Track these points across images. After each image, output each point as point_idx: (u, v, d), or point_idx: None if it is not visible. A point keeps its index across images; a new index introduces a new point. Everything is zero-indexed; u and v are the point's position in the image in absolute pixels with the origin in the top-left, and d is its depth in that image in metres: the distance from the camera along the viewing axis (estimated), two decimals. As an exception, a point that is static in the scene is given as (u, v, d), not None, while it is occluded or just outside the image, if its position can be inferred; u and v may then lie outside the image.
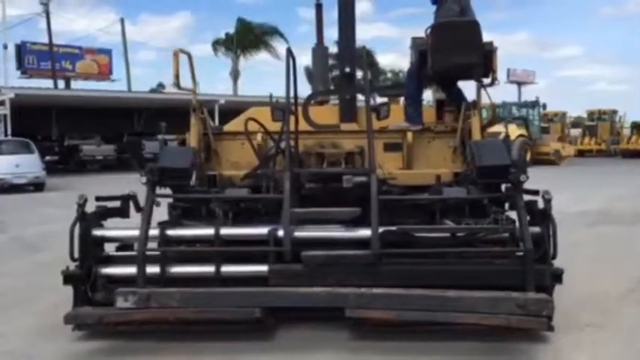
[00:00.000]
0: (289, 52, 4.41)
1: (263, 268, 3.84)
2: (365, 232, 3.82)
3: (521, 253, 3.73)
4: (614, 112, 34.81)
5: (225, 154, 5.21)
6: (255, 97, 26.65)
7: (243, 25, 35.18)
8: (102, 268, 4.03)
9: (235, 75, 35.35)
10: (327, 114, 5.28)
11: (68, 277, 3.89)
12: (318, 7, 6.37)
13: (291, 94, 4.35)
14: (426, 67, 4.84)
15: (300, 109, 4.71)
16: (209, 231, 4.01)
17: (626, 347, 3.73)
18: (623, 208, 10.57)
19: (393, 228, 3.81)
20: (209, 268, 3.95)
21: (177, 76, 4.80)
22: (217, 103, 23.45)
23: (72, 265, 3.92)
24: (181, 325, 3.79)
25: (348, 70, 5.39)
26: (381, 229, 3.72)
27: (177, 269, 4.00)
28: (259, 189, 4.58)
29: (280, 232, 3.83)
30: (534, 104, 25.68)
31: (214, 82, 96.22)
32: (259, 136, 4.98)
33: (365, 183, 3.98)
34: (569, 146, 27.50)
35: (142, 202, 4.11)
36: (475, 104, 4.82)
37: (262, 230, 3.95)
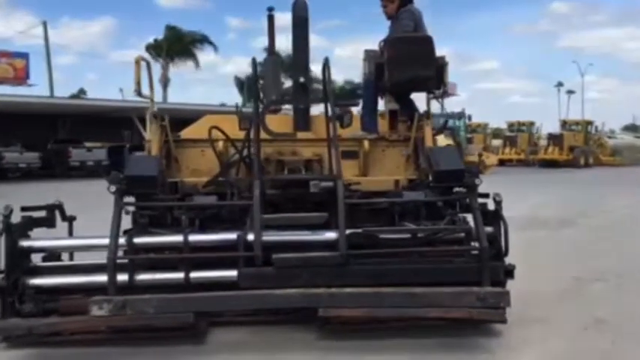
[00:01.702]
0: (254, 62, 4.54)
1: (232, 273, 3.94)
2: (331, 235, 4.00)
3: (476, 252, 4.01)
4: (532, 123, 36.85)
5: (185, 162, 5.25)
6: (187, 105, 26.47)
7: (173, 32, 34.83)
8: (29, 279, 4.01)
9: (165, 82, 34.89)
10: (280, 123, 5.43)
11: None
12: (270, 18, 6.50)
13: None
14: (383, 79, 5.10)
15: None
16: (178, 238, 4.07)
17: (572, 340, 4.04)
18: (547, 214, 11.24)
19: (359, 230, 4.01)
20: (178, 275, 4.01)
21: (138, 84, 4.83)
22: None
23: None
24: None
25: (302, 80, 5.56)
26: (347, 232, 3.91)
27: (144, 277, 4.03)
28: (223, 196, 4.67)
29: (250, 237, 3.95)
30: (460, 115, 26.80)
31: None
32: (220, 144, 5.07)
33: (330, 188, 4.17)
34: (493, 156, 28.85)
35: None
36: (428, 114, 5.12)
37: (231, 236, 4.06)
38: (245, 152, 4.94)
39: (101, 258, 4.31)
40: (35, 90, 33.58)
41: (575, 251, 7.44)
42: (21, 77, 33.68)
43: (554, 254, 7.19)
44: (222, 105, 34.49)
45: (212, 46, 37.67)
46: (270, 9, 6.13)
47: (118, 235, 3.90)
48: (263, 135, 4.92)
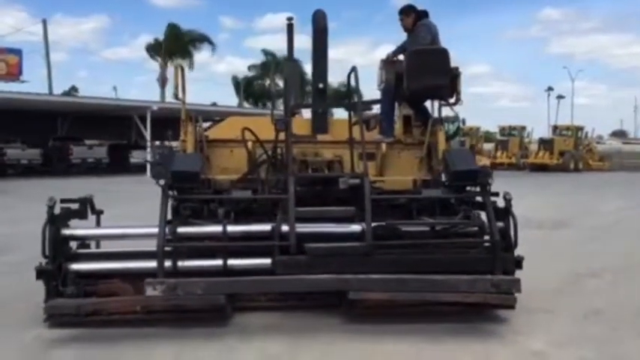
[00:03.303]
0: (278, 67, 4.95)
1: (265, 261, 4.33)
2: (357, 227, 4.40)
3: (489, 244, 4.43)
4: (523, 128, 37.29)
5: (215, 160, 5.65)
6: (187, 104, 26.62)
7: (173, 31, 35.09)
8: (71, 264, 4.43)
9: (163, 81, 35.13)
10: (298, 125, 5.82)
11: (41, 273, 4.25)
12: (290, 27, 6.86)
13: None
14: (402, 87, 5.53)
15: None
16: (217, 228, 4.46)
17: (574, 327, 4.46)
18: (541, 215, 11.60)
19: (383, 223, 4.41)
20: (217, 262, 4.40)
21: (177, 87, 5.26)
22: (149, 110, 23.41)
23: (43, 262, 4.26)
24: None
25: (321, 85, 5.95)
26: (372, 225, 4.30)
27: (186, 263, 4.40)
28: (253, 192, 5.07)
29: (284, 228, 4.34)
30: (455, 119, 27.14)
31: (128, 87, 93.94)
32: (249, 144, 5.47)
33: (357, 185, 4.57)
34: (486, 159, 29.29)
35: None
36: (441, 120, 5.56)
37: (266, 227, 4.46)
38: (277, 151, 5.34)
39: (131, 246, 4.77)
40: (28, 86, 33.45)
41: (569, 250, 7.88)
42: (14, 73, 33.43)
43: (551, 252, 7.58)
44: (214, 104, 34.73)
45: (211, 45, 37.99)
46: (290, 18, 6.52)
47: (165, 225, 4.28)
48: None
